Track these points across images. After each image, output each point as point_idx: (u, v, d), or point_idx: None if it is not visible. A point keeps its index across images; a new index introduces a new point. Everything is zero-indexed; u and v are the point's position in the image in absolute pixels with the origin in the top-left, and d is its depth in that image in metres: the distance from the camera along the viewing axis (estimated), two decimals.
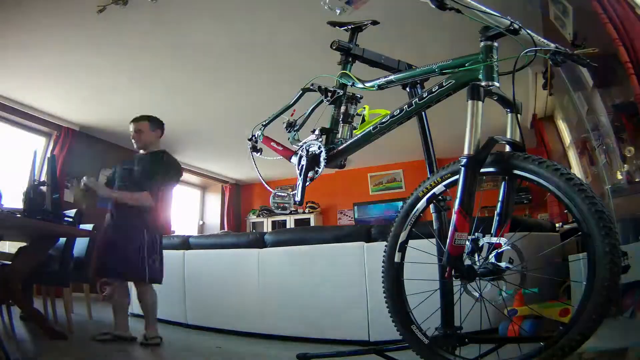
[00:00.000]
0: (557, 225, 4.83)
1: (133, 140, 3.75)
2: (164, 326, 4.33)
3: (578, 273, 2.83)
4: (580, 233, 1.38)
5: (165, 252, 4.75)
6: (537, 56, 1.64)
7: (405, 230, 1.90)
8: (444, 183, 1.77)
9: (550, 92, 4.80)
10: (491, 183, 6.95)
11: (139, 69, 5.49)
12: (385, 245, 1.97)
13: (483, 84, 1.61)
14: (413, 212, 1.89)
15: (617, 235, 1.31)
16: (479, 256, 1.60)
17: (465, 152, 1.56)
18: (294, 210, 10.04)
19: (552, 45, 1.73)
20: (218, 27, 4.57)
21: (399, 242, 1.91)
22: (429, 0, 1.54)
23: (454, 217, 1.55)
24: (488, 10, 1.57)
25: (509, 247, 1.55)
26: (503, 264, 1.58)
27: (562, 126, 5.83)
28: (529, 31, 1.65)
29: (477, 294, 1.64)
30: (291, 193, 2.30)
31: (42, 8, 4.12)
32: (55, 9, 4.16)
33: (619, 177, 2.99)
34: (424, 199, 1.85)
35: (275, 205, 2.32)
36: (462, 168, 1.56)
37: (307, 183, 2.22)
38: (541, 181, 1.47)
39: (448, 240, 1.55)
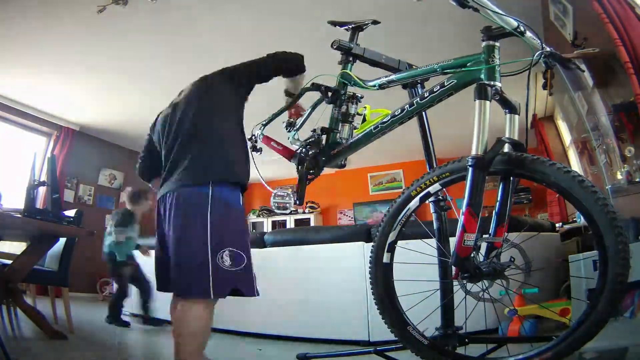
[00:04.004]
0: (557, 225, 4.83)
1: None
2: (163, 326, 4.34)
3: (578, 273, 2.83)
4: (580, 233, 1.40)
5: None
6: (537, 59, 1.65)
7: (395, 230, 1.87)
8: (441, 182, 1.76)
9: (551, 92, 4.79)
10: (492, 183, 6.95)
11: (139, 69, 5.49)
12: (372, 245, 1.94)
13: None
14: (404, 212, 1.85)
15: (627, 235, 1.35)
16: (483, 256, 1.61)
17: (473, 152, 1.55)
18: (294, 210, 10.03)
19: (548, 48, 1.73)
20: (218, 26, 4.57)
21: (388, 242, 1.88)
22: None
23: (462, 217, 1.53)
24: (499, 10, 1.58)
25: (511, 247, 1.56)
26: (505, 264, 1.58)
27: (562, 126, 5.84)
28: (531, 34, 1.66)
29: (479, 294, 1.64)
30: (291, 193, 2.30)
31: (43, 8, 4.12)
32: (55, 9, 4.16)
33: (619, 177, 2.99)
34: (417, 197, 1.82)
35: (276, 205, 2.32)
36: (470, 168, 1.55)
37: (307, 183, 2.22)
38: (552, 183, 1.48)
39: (456, 241, 1.54)
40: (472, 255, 1.57)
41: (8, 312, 3.44)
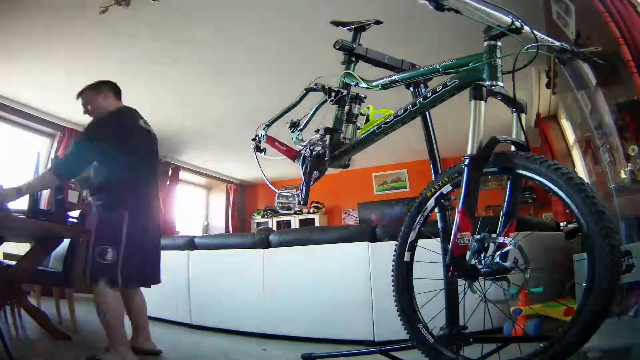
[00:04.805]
0: (561, 224, 4.82)
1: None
2: (168, 326, 4.35)
3: (582, 272, 2.82)
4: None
5: (169, 252, 4.76)
6: (541, 54, 1.63)
7: (415, 229, 1.94)
8: (452, 182, 1.79)
9: (554, 91, 4.78)
10: (496, 182, 6.95)
11: (142, 70, 5.49)
12: (396, 245, 2.00)
13: (486, 83, 1.60)
14: (422, 212, 1.92)
15: (617, 236, 1.30)
16: (485, 256, 1.60)
17: (468, 152, 1.56)
18: (298, 211, 10.05)
19: (557, 43, 1.72)
20: (221, 27, 4.58)
21: (409, 241, 1.95)
22: (427, 2, 1.53)
23: (457, 216, 1.55)
24: (488, 9, 1.55)
25: (513, 247, 1.56)
26: (508, 264, 1.58)
27: (566, 125, 5.82)
28: (530, 28, 1.64)
29: (481, 294, 1.65)
30: (295, 193, 2.30)
31: (45, 9, 4.13)
32: (57, 10, 4.17)
33: (623, 176, 2.98)
34: (433, 198, 1.87)
35: (280, 205, 2.33)
36: (465, 168, 1.56)
37: (312, 183, 2.23)
38: (542, 180, 1.47)
39: (451, 240, 1.55)
40: (469, 254, 1.58)
41: (12, 312, 3.46)
